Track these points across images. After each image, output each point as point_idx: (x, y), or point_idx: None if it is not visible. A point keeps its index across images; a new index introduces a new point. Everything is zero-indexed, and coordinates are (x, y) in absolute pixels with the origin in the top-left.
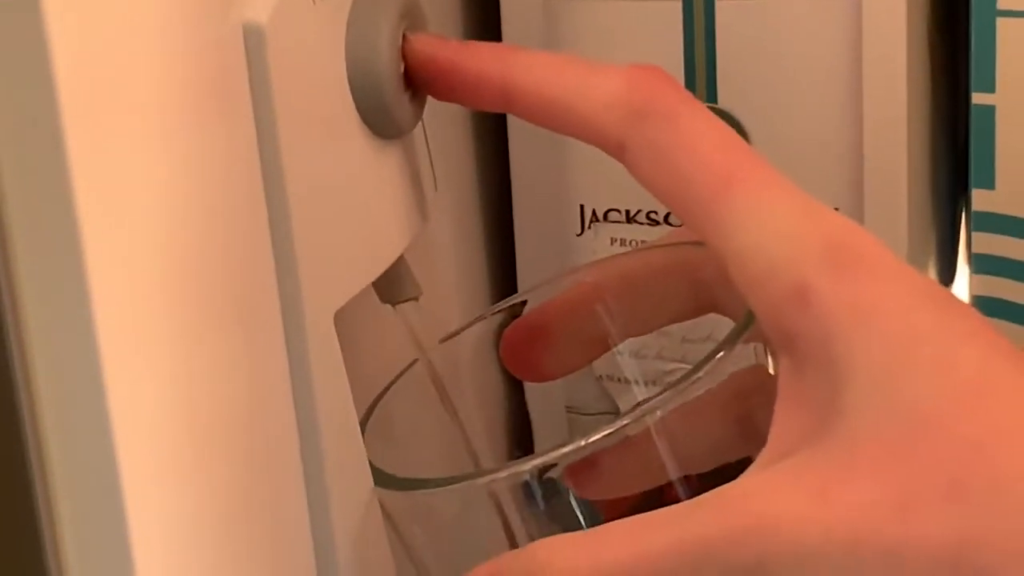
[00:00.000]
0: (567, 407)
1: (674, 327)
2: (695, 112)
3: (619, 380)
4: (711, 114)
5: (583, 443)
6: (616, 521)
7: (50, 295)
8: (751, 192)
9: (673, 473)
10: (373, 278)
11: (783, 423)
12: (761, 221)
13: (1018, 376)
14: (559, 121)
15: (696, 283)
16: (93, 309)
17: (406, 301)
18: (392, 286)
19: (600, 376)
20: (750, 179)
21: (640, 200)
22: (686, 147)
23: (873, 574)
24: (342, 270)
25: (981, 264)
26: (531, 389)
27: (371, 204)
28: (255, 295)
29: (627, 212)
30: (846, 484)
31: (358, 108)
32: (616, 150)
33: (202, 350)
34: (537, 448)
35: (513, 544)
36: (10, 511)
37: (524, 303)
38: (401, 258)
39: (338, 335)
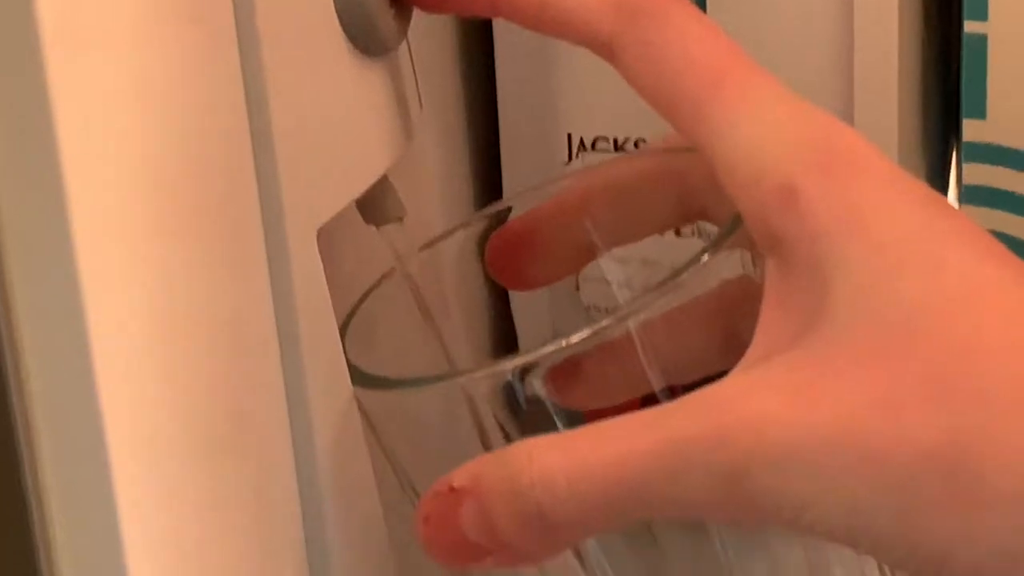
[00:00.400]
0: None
1: (664, 257)
2: (687, 11)
3: (607, 310)
4: (703, 14)
5: (563, 344)
6: (597, 422)
7: (31, 216)
8: (742, 92)
9: (656, 383)
10: (356, 196)
11: (768, 325)
12: (752, 121)
13: (1007, 278)
14: (548, 22)
15: (684, 190)
16: (73, 227)
17: (390, 222)
18: (376, 206)
19: (588, 307)
20: (742, 80)
21: (628, 128)
22: (677, 46)
23: (857, 476)
24: (324, 187)
25: (971, 195)
26: (519, 315)
27: (354, 122)
28: (237, 210)
29: (615, 141)
30: (831, 385)
31: (342, 24)
32: (605, 50)
33: (184, 262)
34: None
35: (491, 449)
36: None
37: (508, 210)
38: (385, 178)
39: (323, 256)
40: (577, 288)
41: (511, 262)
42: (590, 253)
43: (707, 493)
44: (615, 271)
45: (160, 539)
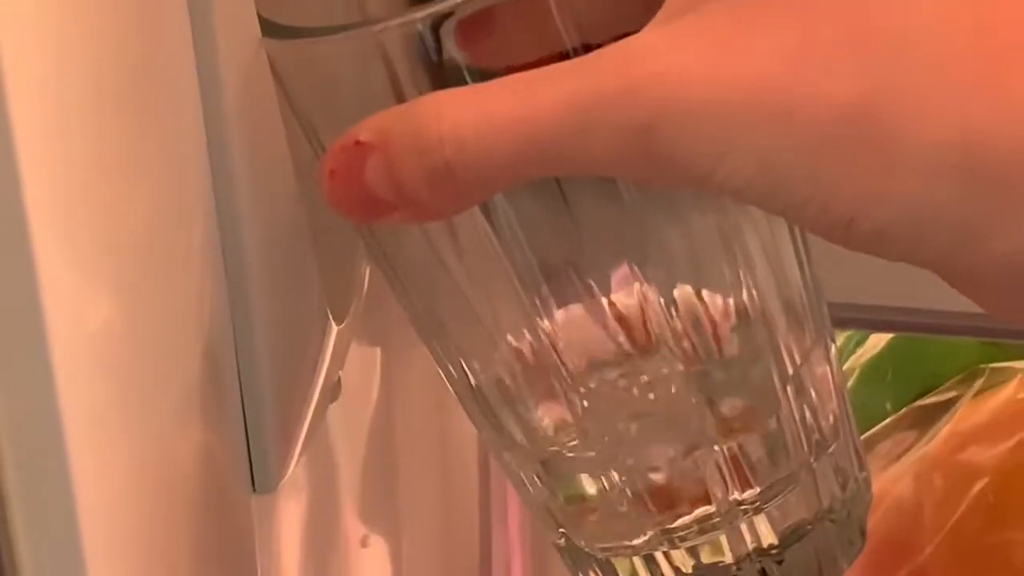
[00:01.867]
0: None
1: None
2: None
3: None
4: None
5: None
6: (509, 76)
7: None
8: None
9: (571, 40)
10: None
11: None
12: None
13: None
14: None
15: None
16: None
17: None
18: None
19: None
20: None
21: None
22: None
23: (769, 132)
24: None
25: None
26: None
27: None
28: None
29: None
30: (745, 39)
31: None
32: None
33: None
34: None
35: (402, 102)
36: None
37: None
38: None
39: None
40: None
41: None
42: None
43: (618, 148)
44: None
45: (65, 194)
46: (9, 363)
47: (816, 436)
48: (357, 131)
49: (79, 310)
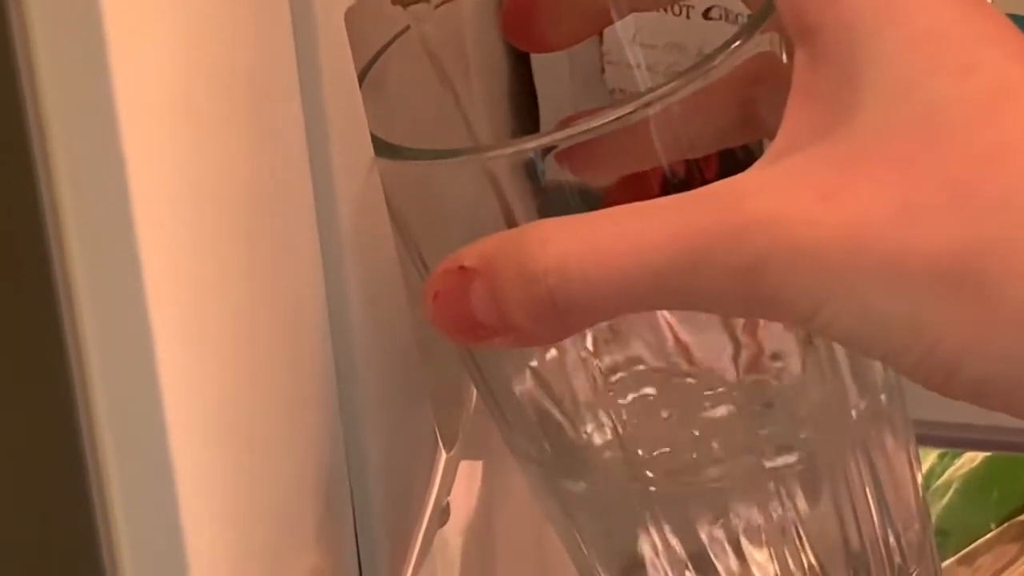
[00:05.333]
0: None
1: (691, 41)
2: None
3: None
4: None
5: (586, 127)
6: (614, 208)
7: None
8: None
9: (669, 158)
10: None
11: (794, 118)
12: None
13: None
14: None
15: None
16: None
17: (417, 3)
18: None
19: (613, 89)
20: None
21: None
22: None
23: (873, 281)
24: None
25: None
26: (542, 94)
27: None
28: None
29: None
30: (851, 187)
31: None
32: None
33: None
34: None
35: (507, 226)
36: None
37: None
38: None
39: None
40: (602, 71)
41: (526, 23)
42: (607, 18)
43: (722, 288)
44: (641, 55)
45: (185, 298)
46: (137, 506)
47: (897, 559)
48: (462, 256)
49: (203, 441)
